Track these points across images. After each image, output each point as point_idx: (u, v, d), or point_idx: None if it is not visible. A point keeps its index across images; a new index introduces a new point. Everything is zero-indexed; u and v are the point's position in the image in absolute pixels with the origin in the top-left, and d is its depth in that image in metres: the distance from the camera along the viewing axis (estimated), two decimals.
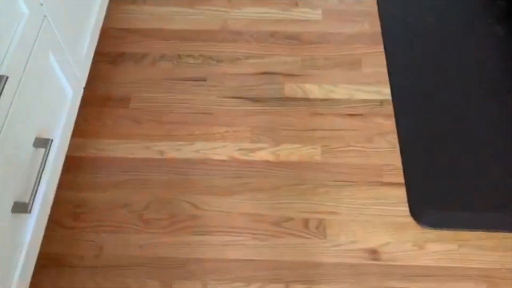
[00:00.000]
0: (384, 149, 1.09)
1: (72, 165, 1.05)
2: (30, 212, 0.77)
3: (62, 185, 1.01)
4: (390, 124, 1.13)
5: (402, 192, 1.03)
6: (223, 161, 1.08)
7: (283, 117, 1.14)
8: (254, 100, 1.17)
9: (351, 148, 1.10)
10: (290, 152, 1.09)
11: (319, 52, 1.26)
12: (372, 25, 1.31)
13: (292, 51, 1.26)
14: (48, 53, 0.87)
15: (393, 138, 1.11)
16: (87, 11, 1.08)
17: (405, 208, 1.01)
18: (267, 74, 1.22)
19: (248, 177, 1.06)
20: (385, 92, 1.18)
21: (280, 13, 1.34)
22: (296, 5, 1.36)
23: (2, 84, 0.67)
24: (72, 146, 1.07)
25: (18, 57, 0.75)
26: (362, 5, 1.36)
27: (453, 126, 1.12)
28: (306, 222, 1.00)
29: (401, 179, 1.05)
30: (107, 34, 1.27)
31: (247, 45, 1.27)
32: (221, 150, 1.09)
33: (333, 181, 1.05)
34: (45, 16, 0.85)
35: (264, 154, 1.09)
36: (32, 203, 0.77)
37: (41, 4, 0.84)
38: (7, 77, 0.69)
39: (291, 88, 1.19)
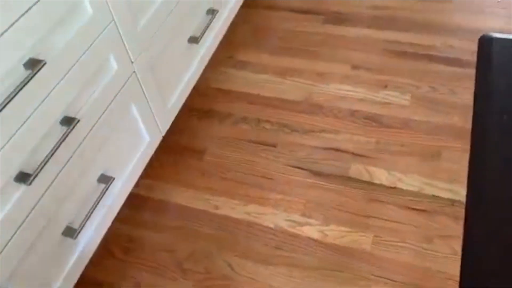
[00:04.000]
0: (443, 254, 0.99)
1: (137, 202, 1.17)
2: (75, 238, 0.87)
3: (123, 219, 1.12)
4: (457, 228, 1.02)
5: None
6: (269, 228, 1.08)
7: (341, 197, 1.11)
8: (317, 174, 1.17)
9: (405, 245, 1.02)
10: (339, 234, 1.05)
11: (396, 137, 1.22)
12: (462, 119, 1.22)
13: (367, 132, 1.24)
14: (130, 104, 1.01)
15: (457, 244, 1.00)
16: (182, 70, 1.22)
17: None
18: (337, 150, 1.21)
19: (289, 250, 1.04)
20: (460, 192, 1.08)
21: (366, 93, 1.34)
22: (385, 87, 1.34)
23: (72, 126, 0.80)
24: (142, 185, 1.19)
25: (97, 104, 0.89)
26: (456, 96, 1.28)
27: None
28: None
29: None
30: (201, 91, 1.41)
31: (324, 119, 1.29)
32: (270, 217, 1.10)
33: (376, 276, 0.98)
34: (134, 72, 1.00)
35: (312, 230, 1.07)
36: (80, 231, 0.88)
37: (132, 62, 0.98)
38: (78, 120, 0.82)
39: (357, 169, 1.16)
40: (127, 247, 1.10)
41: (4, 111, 0.68)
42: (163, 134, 1.18)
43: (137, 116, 1.05)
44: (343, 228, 1.06)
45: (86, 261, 0.96)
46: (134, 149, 1.07)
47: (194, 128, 1.33)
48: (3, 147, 0.70)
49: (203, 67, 1.32)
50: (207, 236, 1.09)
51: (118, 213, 1.04)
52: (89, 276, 1.03)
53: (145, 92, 1.05)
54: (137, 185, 1.10)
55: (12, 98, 0.67)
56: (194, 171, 1.23)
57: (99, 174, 0.95)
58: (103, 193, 0.92)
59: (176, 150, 1.28)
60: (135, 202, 1.16)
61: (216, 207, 1.14)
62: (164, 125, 1.17)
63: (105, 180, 0.95)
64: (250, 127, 1.31)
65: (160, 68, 1.10)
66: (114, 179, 0.96)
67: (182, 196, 1.18)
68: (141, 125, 1.07)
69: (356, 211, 1.08)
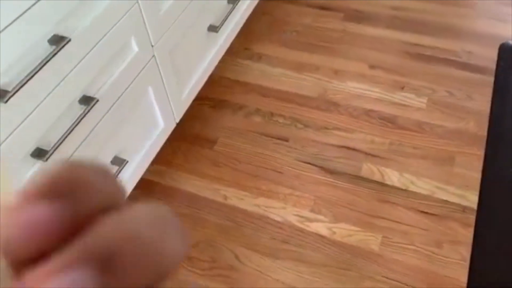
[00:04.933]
0: (451, 260, 0.98)
1: (146, 187, 1.16)
2: None
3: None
4: (466, 234, 1.01)
5: None
6: (277, 222, 1.08)
7: (351, 195, 1.11)
8: (328, 171, 1.16)
9: (414, 248, 1.01)
10: (347, 233, 1.05)
11: (411, 139, 1.21)
12: (478, 125, 1.21)
13: (382, 132, 1.23)
14: (148, 88, 1.01)
15: (466, 251, 0.99)
16: (199, 59, 1.22)
17: None
18: (349, 149, 1.20)
19: (296, 245, 1.04)
20: (471, 199, 1.07)
21: (383, 93, 1.33)
22: (402, 89, 1.33)
23: (91, 105, 0.80)
24: (152, 171, 1.19)
25: (116, 86, 0.89)
26: (473, 102, 1.27)
27: None
28: None
29: None
30: (216, 81, 1.41)
31: (338, 116, 1.28)
32: (279, 211, 1.10)
33: (383, 277, 0.97)
34: (153, 56, 0.99)
35: (320, 227, 1.06)
36: None
37: (152, 46, 0.98)
38: (97, 100, 0.82)
39: (369, 169, 1.16)
40: None
41: (26, 86, 0.68)
42: (177, 121, 1.18)
43: (153, 101, 1.04)
44: (352, 227, 1.06)
45: None
46: (148, 134, 1.07)
47: (207, 117, 1.33)
48: (22, 122, 0.70)
49: (220, 56, 1.31)
50: (214, 226, 1.09)
51: (128, 197, 1.04)
52: None
53: (163, 78, 1.05)
54: (148, 170, 1.10)
55: (35, 73, 0.67)
56: (205, 160, 1.23)
57: (113, 155, 0.95)
58: (117, 174, 0.92)
59: (188, 138, 1.28)
60: (145, 187, 1.16)
61: (225, 198, 1.14)
62: (178, 112, 1.17)
63: (119, 162, 0.95)
64: (263, 120, 1.30)
65: (178, 54, 1.10)
66: (127, 162, 0.96)
67: (191, 184, 1.18)
68: (157, 111, 1.07)
69: (366, 211, 1.08)
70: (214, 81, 1.40)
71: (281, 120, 1.29)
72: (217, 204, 1.13)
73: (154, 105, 1.05)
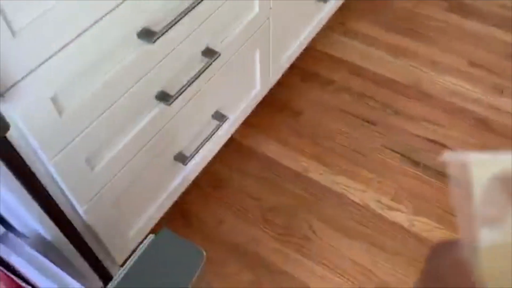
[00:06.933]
0: None
1: (232, 145, 1.19)
2: (186, 164, 0.90)
3: (217, 158, 1.15)
4: None
5: None
6: (357, 204, 1.08)
7: (435, 191, 1.09)
8: (414, 163, 1.15)
9: None
10: (428, 228, 1.04)
11: (504, 147, 1.17)
12: None
13: (474, 134, 1.19)
14: (256, 49, 1.01)
15: None
16: (301, 27, 1.20)
17: None
18: (439, 144, 1.18)
19: (374, 230, 1.04)
20: None
21: (480, 93, 1.28)
22: (501, 92, 1.28)
23: (214, 58, 0.81)
24: (239, 131, 1.21)
25: (233, 43, 0.89)
26: None
27: None
28: None
29: None
30: (310, 53, 1.39)
31: (431, 109, 1.25)
32: (359, 194, 1.10)
33: None
34: (268, 18, 0.99)
35: (400, 217, 1.06)
36: (190, 159, 0.90)
37: (270, 8, 0.97)
38: (220, 54, 0.83)
39: None
40: (216, 185, 1.13)
41: (165, 36, 0.69)
42: (271, 86, 1.18)
43: (257, 63, 1.05)
44: (432, 223, 1.05)
45: (183, 188, 0.99)
46: (245, 95, 1.08)
47: (295, 87, 1.32)
48: (159, 62, 0.72)
49: (320, 26, 1.29)
50: (292, 194, 1.11)
51: (216, 155, 1.06)
52: (177, 203, 1.08)
53: (271, 41, 1.04)
54: (237, 130, 1.12)
55: (180, 19, 0.68)
56: (288, 129, 1.23)
57: (214, 110, 0.97)
58: (217, 128, 0.94)
59: (274, 105, 1.28)
60: (229, 144, 1.18)
61: (305, 169, 1.15)
62: (274, 77, 1.17)
63: (219, 117, 0.97)
64: (352, 99, 1.29)
65: (287, 19, 1.09)
66: (228, 118, 0.97)
67: (273, 150, 1.19)
68: (257, 73, 1.07)
69: (449, 210, 1.06)
70: (307, 51, 1.38)
71: (371, 102, 1.27)
72: (296, 174, 1.14)
73: (257, 67, 1.06)
